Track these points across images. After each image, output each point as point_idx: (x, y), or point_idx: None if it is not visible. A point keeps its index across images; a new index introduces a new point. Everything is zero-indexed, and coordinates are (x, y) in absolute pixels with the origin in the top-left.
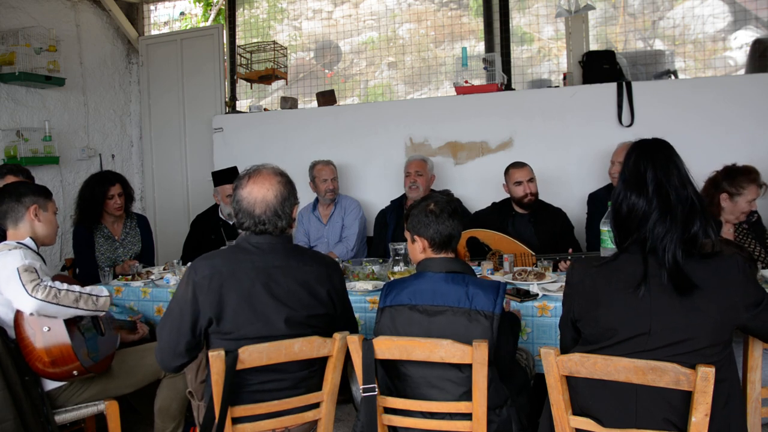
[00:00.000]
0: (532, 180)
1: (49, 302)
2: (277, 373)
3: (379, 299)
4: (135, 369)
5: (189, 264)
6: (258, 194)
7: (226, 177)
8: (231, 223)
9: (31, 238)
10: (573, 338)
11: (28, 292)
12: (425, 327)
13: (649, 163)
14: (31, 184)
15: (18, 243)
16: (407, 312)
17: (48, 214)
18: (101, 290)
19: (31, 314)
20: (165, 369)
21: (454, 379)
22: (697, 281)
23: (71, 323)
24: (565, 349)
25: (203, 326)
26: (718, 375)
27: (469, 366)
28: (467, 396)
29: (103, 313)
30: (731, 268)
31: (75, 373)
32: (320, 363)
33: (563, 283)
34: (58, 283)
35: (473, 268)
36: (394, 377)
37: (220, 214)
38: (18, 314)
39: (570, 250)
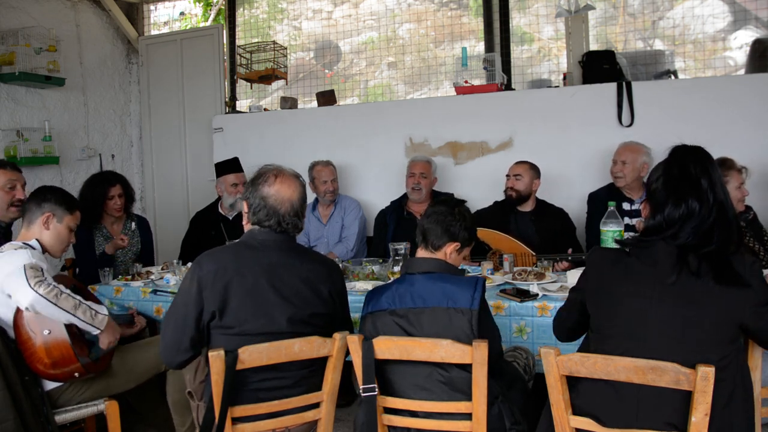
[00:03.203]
0: (518, 176)
1: (48, 300)
2: (278, 371)
3: (362, 308)
4: (135, 365)
5: (195, 260)
6: (285, 194)
7: (229, 167)
8: (231, 218)
9: (37, 240)
10: (578, 322)
11: (30, 285)
12: (405, 330)
13: (699, 168)
14: (60, 193)
15: (24, 243)
16: (387, 317)
17: (60, 226)
18: (102, 308)
19: (27, 308)
20: (169, 365)
21: (440, 379)
22: (700, 282)
23: (70, 324)
24: (560, 320)
25: (206, 320)
26: (720, 374)
27: (454, 365)
28: (453, 395)
29: (98, 330)
30: (739, 267)
31: (76, 374)
32: (320, 362)
33: (563, 283)
34: (62, 287)
35: (473, 267)
36: (381, 380)
37: (219, 209)
38: (18, 315)
39: (569, 251)
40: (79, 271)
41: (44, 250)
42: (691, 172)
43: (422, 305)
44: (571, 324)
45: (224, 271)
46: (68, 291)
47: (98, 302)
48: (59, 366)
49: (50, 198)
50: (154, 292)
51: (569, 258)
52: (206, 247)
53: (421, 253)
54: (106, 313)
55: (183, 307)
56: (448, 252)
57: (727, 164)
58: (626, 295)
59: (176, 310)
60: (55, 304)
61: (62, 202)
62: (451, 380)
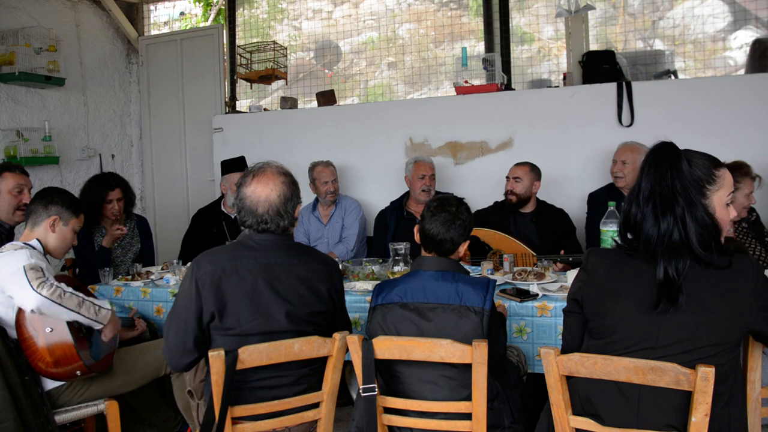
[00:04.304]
0: (518, 179)
1: (53, 301)
2: (278, 370)
3: (371, 299)
4: (135, 367)
5: (193, 260)
6: (261, 194)
7: (235, 166)
8: (233, 216)
9: (38, 240)
10: (580, 328)
11: (33, 288)
12: (416, 324)
13: (644, 170)
14: (67, 196)
15: (24, 243)
16: (398, 310)
17: (65, 229)
18: (104, 303)
19: (32, 311)
20: (175, 368)
21: (448, 375)
22: (705, 287)
23: (72, 323)
24: (569, 332)
25: (206, 321)
26: (722, 377)
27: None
28: (461, 391)
29: (101, 325)
30: (744, 271)
31: (78, 373)
32: (320, 360)
33: (563, 283)
34: (64, 285)
35: (473, 267)
36: (387, 375)
37: (222, 207)
38: (20, 314)
39: (562, 252)
40: (79, 270)
41: (47, 251)
42: (641, 176)
43: (434, 301)
44: (579, 344)
45: (222, 272)
46: (71, 289)
47: None
48: (61, 364)
49: (57, 201)
50: (152, 282)
51: (570, 259)
52: (207, 244)
53: (428, 251)
54: (109, 308)
55: (183, 309)
56: (462, 251)
57: (743, 170)
58: (630, 298)
59: (177, 312)
60: (60, 304)
61: (69, 205)
62: (458, 375)
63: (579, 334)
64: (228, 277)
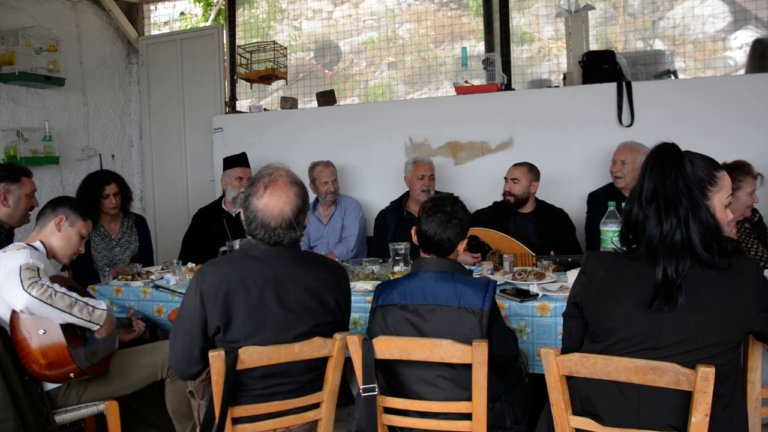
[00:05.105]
0: (516, 180)
1: (42, 301)
2: (282, 377)
3: (372, 300)
4: (132, 371)
5: (197, 270)
6: (275, 208)
7: (236, 161)
8: (233, 214)
9: (42, 242)
10: (580, 331)
11: (23, 288)
12: (416, 325)
13: (647, 170)
14: (75, 201)
15: (27, 244)
16: (398, 311)
17: (71, 230)
18: (100, 303)
19: (22, 311)
20: (182, 377)
21: (448, 376)
22: (706, 288)
23: (69, 324)
24: (569, 334)
25: (212, 333)
26: (724, 377)
27: (462, 363)
28: (461, 393)
29: (97, 326)
30: (744, 272)
31: (72, 375)
32: (325, 367)
33: (563, 283)
34: (56, 286)
35: (473, 267)
36: (387, 375)
37: (223, 205)
38: (14, 316)
39: (552, 252)
40: (76, 270)
41: (52, 254)
42: (642, 176)
43: (434, 302)
44: (579, 347)
45: (227, 284)
46: (63, 290)
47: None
48: (54, 367)
49: (65, 203)
50: (156, 287)
51: (569, 260)
52: (208, 243)
53: (427, 253)
54: (105, 307)
55: (188, 320)
56: (461, 250)
57: (744, 169)
58: (631, 300)
59: (182, 323)
60: (50, 305)
61: (76, 208)
62: (457, 377)
63: (579, 338)
64: (234, 291)
